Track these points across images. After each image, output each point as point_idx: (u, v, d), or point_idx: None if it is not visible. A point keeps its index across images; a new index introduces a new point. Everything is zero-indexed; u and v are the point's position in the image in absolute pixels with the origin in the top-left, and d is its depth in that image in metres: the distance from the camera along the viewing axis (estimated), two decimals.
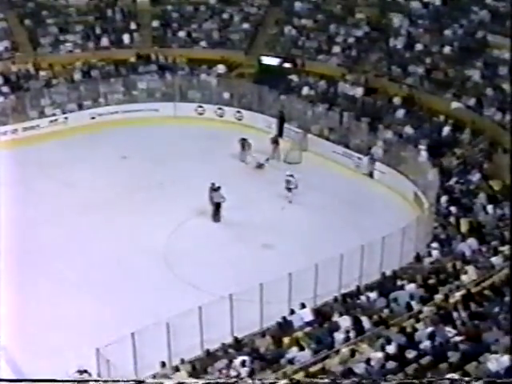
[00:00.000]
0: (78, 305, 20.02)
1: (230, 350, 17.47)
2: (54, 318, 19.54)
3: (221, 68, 34.82)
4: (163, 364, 17.16)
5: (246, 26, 36.85)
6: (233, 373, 16.46)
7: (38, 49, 34.97)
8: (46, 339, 18.62)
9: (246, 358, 16.65)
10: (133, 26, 36.74)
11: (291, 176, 25.99)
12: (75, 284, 21.10)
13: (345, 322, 17.44)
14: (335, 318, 17.78)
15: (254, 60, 34.95)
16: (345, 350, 16.15)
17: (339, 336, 16.97)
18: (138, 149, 30.02)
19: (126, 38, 36.19)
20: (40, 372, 15.98)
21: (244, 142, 29.18)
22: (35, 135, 31.41)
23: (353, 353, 15.87)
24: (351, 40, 34.24)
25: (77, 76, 33.92)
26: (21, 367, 17.83)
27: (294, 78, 33.60)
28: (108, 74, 34.30)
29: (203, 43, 36.22)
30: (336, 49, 34.13)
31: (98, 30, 36.17)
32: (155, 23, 37.06)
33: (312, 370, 15.81)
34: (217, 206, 24.64)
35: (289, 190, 25.95)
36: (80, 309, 19.81)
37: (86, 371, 16.41)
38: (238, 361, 16.55)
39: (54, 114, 32.48)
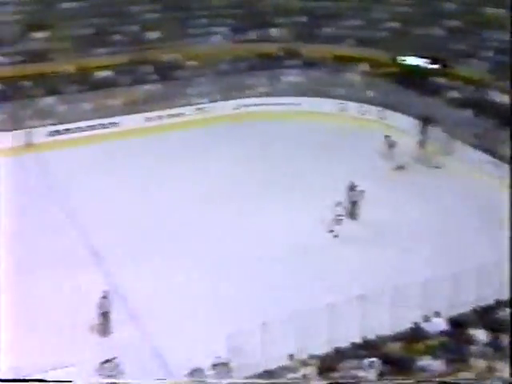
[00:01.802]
0: (212, 293, 20.38)
1: (360, 351, 17.25)
2: (188, 304, 20.00)
3: (365, 66, 34.53)
4: (291, 357, 17.17)
5: (393, 24, 36.31)
6: (360, 373, 16.25)
7: (187, 39, 35.98)
8: (186, 325, 19.04)
9: (375, 359, 16.39)
10: (280, 20, 37.08)
11: (340, 204, 23.56)
12: (212, 271, 21.45)
13: (481, 335, 16.79)
14: (471, 330, 17.17)
15: (399, 60, 34.38)
16: (480, 366, 15.56)
17: (474, 350, 16.38)
18: (277, 142, 30.29)
19: (272, 32, 36.58)
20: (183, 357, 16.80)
21: (389, 140, 28.85)
22: (180, 122, 32.45)
23: (489, 369, 15.25)
24: (503, 45, 32.91)
25: (223, 67, 34.65)
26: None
27: (439, 80, 32.76)
28: (253, 66, 34.86)
29: (349, 40, 36.03)
30: (485, 53, 32.95)
31: (246, 23, 36.76)
32: (302, 18, 37.21)
33: (444, 380, 15.32)
34: (354, 205, 24.46)
35: (338, 221, 23.48)
36: (213, 297, 20.20)
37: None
38: (366, 362, 16.31)
39: (199, 103, 33.35)
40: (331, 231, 23.56)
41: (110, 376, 16.54)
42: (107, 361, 16.76)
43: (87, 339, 18.58)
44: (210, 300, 20.04)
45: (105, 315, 18.88)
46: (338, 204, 23.64)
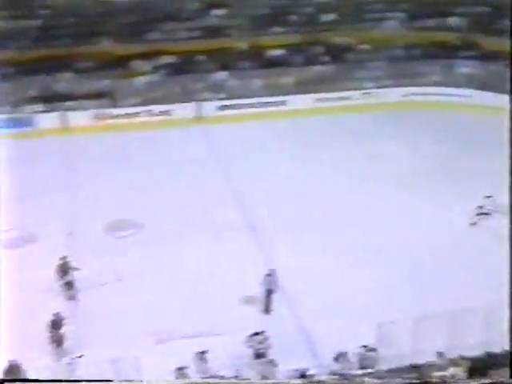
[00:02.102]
0: (368, 280, 20.23)
1: None
2: (343, 289, 20.02)
3: None
4: (440, 354, 16.79)
5: None
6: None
7: (362, 23, 35.65)
8: (338, 310, 19.05)
9: None
10: (460, 9, 35.90)
11: (489, 197, 22.88)
12: (369, 258, 21.21)
13: None
14: None
15: None
16: None
17: None
18: (444, 133, 29.61)
19: (452, 21, 35.51)
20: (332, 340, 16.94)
21: None
22: (346, 106, 32.53)
23: None
24: None
25: (396, 53, 34.19)
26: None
27: None
28: (427, 54, 34.11)
29: None
30: None
31: (423, 10, 35.87)
32: (484, 9, 35.78)
33: None
34: None
35: (484, 214, 23.07)
36: (368, 284, 20.05)
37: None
38: None
39: (367, 88, 33.16)
40: (473, 223, 23.06)
41: (257, 349, 16.95)
42: (256, 334, 17.15)
43: (244, 313, 18.97)
44: (364, 287, 19.92)
45: (268, 293, 19.13)
46: (486, 198, 22.97)
